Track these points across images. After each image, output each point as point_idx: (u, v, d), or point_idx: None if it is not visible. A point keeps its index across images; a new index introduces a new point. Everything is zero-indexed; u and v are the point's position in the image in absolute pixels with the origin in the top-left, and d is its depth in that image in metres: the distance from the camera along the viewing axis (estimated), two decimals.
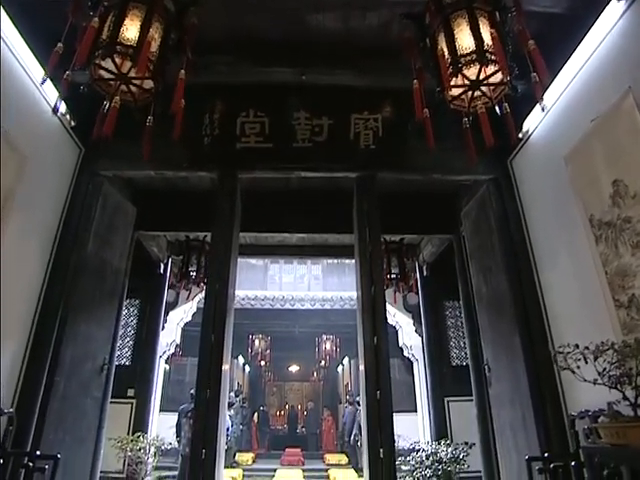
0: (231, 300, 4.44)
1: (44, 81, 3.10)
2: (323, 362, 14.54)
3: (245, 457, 11.41)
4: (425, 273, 7.12)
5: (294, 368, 20.73)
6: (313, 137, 4.41)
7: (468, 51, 2.72)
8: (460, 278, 5.59)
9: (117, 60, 2.77)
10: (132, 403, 6.51)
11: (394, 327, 8.86)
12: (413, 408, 9.04)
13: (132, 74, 2.81)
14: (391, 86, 4.17)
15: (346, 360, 16.20)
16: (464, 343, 6.63)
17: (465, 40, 2.76)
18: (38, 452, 3.43)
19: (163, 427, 7.76)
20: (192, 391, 6.21)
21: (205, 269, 6.52)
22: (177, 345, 9.37)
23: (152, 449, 5.92)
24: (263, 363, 14.84)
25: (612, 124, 3.10)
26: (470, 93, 2.94)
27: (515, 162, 4.57)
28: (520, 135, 4.31)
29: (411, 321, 8.67)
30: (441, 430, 6.38)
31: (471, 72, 2.78)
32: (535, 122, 4.16)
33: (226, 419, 6.90)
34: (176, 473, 7.13)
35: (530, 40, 2.72)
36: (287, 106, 4.40)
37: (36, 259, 3.92)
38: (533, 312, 4.02)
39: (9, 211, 3.35)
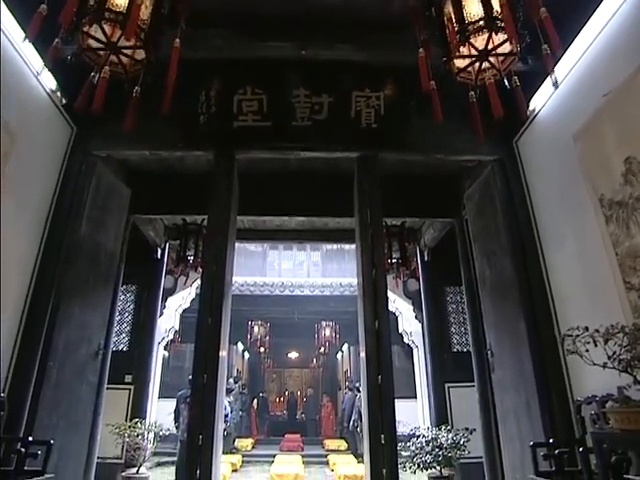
0: (228, 283, 4.34)
1: (25, 40, 2.87)
2: (322, 349, 14.50)
3: (245, 443, 11.44)
4: (426, 258, 7.01)
5: (293, 355, 20.76)
6: (313, 115, 4.27)
7: (476, 18, 2.60)
8: (462, 262, 5.49)
9: (106, 28, 2.63)
10: (130, 389, 6.45)
11: (394, 313, 8.79)
12: (413, 395, 9.02)
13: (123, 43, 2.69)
14: (393, 62, 4.02)
15: (345, 347, 16.21)
16: (465, 329, 6.56)
17: (473, 7, 2.63)
18: (30, 438, 3.35)
19: (162, 413, 7.74)
20: (190, 377, 6.15)
21: (203, 253, 6.40)
22: (176, 331, 9.31)
23: (150, 435, 5.87)
24: (262, 350, 14.78)
25: (625, 99, 2.97)
26: (478, 64, 2.81)
27: (521, 142, 4.44)
28: (527, 114, 4.17)
29: (411, 307, 8.60)
30: (441, 416, 6.33)
31: (479, 41, 2.64)
32: (542, 100, 4.03)
33: (225, 405, 6.87)
34: (175, 459, 7.10)
35: (542, 8, 2.57)
36: (286, 83, 4.24)
37: (27, 241, 3.80)
38: (538, 296, 3.92)
39: None
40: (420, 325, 8.05)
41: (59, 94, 4.07)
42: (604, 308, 3.13)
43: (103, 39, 2.66)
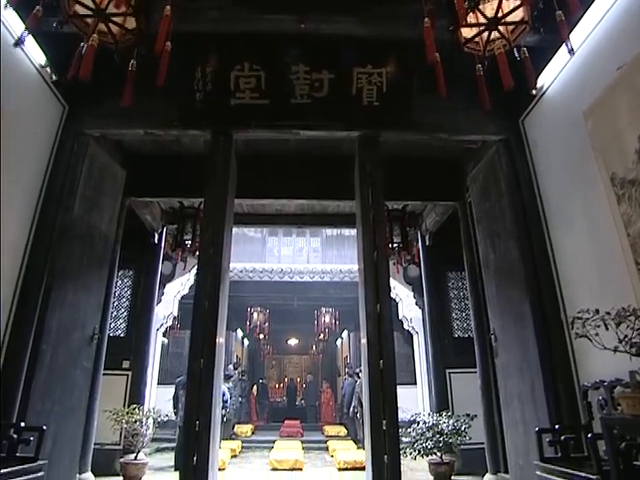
0: (225, 268, 4.23)
1: (7, 6, 2.73)
2: (322, 335, 14.45)
3: (244, 429, 11.42)
4: (428, 243, 6.89)
5: (293, 341, 20.77)
6: (313, 93, 4.12)
7: None
8: (465, 246, 5.39)
9: None
10: (128, 375, 6.37)
11: (394, 300, 8.70)
12: (412, 381, 8.99)
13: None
14: (396, 36, 3.88)
15: (345, 333, 16.18)
16: (467, 314, 6.47)
17: None
18: (23, 423, 3.26)
19: (162, 400, 7.71)
20: None
21: (200, 237, 6.27)
22: (175, 318, 9.25)
23: (149, 421, 5.80)
24: (262, 336, 14.74)
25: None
26: (486, 34, 2.67)
27: (527, 121, 4.30)
28: (534, 92, 4.02)
29: (411, 293, 8.53)
30: (442, 402, 6.26)
31: (489, 8, 2.50)
32: (550, 78, 3.89)
33: (224, 391, 6.82)
34: (175, 445, 7.06)
35: None
36: (284, 59, 4.08)
37: (18, 221, 3.68)
38: (544, 279, 3.82)
39: None
40: (420, 311, 7.98)
41: (49, 70, 3.91)
42: (614, 291, 3.02)
43: (91, 5, 2.52)
